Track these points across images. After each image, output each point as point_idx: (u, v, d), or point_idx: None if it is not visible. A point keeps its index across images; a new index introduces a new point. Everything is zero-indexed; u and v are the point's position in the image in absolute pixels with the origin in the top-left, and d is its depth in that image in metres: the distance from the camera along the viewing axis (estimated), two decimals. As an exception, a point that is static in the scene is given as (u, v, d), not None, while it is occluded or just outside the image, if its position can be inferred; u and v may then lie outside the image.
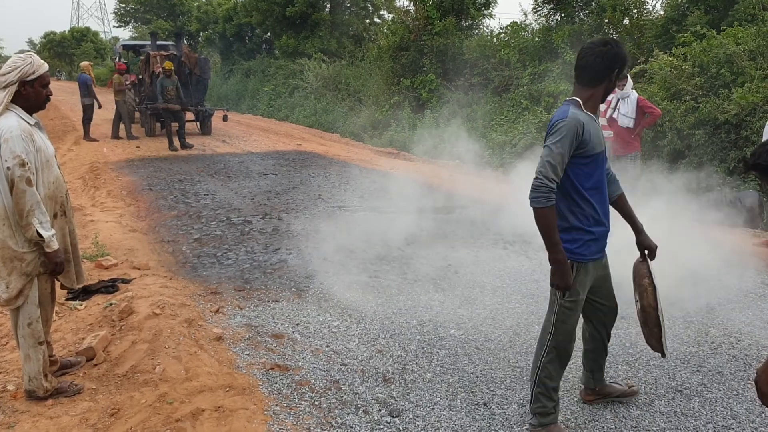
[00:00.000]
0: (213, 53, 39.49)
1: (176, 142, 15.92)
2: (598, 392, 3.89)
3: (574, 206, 3.27)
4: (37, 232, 3.58)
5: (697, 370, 4.40)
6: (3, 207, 3.57)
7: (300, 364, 4.36)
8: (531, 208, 3.18)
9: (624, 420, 3.77)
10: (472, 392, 4.06)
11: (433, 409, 3.85)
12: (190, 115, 20.13)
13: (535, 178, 3.12)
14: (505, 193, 10.44)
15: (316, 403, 3.86)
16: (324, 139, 19.65)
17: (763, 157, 3.39)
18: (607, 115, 8.79)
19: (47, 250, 3.67)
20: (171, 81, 16.12)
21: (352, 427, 3.60)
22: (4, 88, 3.59)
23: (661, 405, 3.93)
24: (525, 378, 4.25)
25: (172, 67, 16.25)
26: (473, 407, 3.88)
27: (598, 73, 3.19)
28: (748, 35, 11.13)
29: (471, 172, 12.95)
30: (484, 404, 3.92)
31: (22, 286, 3.69)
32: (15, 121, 3.58)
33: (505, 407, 3.88)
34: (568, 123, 3.09)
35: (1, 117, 3.58)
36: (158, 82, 16.15)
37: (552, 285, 3.24)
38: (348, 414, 3.74)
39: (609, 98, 8.59)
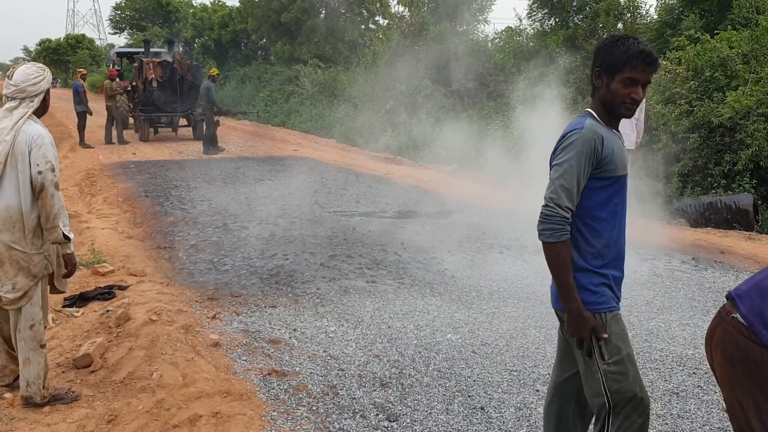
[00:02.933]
0: (209, 60, 39.54)
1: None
2: None
3: (581, 241, 2.58)
4: (63, 234, 3.70)
5: (693, 373, 4.42)
6: (20, 210, 3.65)
7: (297, 369, 4.36)
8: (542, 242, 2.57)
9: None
10: (469, 396, 4.07)
11: (430, 413, 3.85)
12: (182, 121, 20.36)
13: (544, 206, 2.51)
14: (501, 197, 10.48)
15: (314, 408, 3.86)
16: (320, 144, 19.70)
17: None
18: None
19: (67, 251, 3.84)
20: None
21: (349, 432, 3.61)
22: (37, 95, 3.73)
23: (658, 407, 3.94)
24: (522, 382, 4.26)
25: (217, 73, 16.88)
26: (470, 411, 3.89)
27: (593, 76, 2.65)
28: (742, 39, 11.20)
29: (467, 177, 12.99)
30: (481, 408, 3.92)
31: (28, 288, 3.73)
32: (42, 128, 3.72)
33: (502, 411, 3.89)
34: (584, 135, 2.49)
35: (26, 123, 3.67)
36: (209, 86, 16.77)
37: (577, 344, 2.55)
38: (345, 419, 3.74)
39: None
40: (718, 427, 3.73)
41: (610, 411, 2.55)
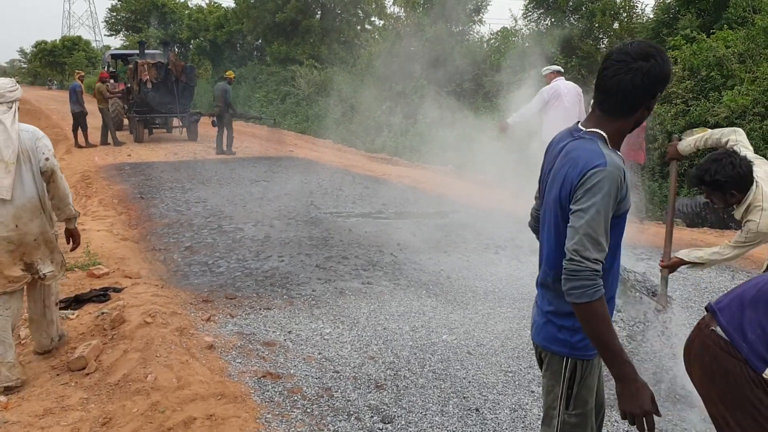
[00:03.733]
0: (204, 61, 39.47)
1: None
2: None
3: None
4: (73, 209, 4.41)
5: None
6: (40, 198, 4.20)
7: (292, 371, 4.35)
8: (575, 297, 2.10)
9: (616, 424, 3.78)
10: (464, 397, 4.07)
11: (425, 414, 3.85)
12: (177, 122, 20.47)
13: (569, 260, 2.08)
14: (497, 198, 10.48)
15: (308, 410, 3.85)
16: (316, 145, 19.69)
17: (720, 172, 3.45)
18: None
19: (74, 226, 4.54)
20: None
21: (344, 434, 3.60)
22: (16, 101, 4.19)
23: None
24: (517, 383, 4.26)
25: (233, 75, 17.35)
26: (465, 412, 3.88)
27: (635, 100, 2.15)
28: (738, 38, 11.23)
29: (463, 177, 12.99)
30: (476, 409, 3.92)
31: (60, 261, 4.47)
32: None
33: (497, 412, 3.88)
34: (611, 174, 2.08)
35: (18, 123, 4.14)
36: (226, 87, 16.92)
37: (624, 415, 2.09)
38: (340, 421, 3.74)
39: None
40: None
41: None
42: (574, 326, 2.25)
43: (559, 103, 8.61)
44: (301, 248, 7.45)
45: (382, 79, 20.83)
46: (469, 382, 4.28)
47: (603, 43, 16.18)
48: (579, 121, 2.32)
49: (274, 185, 11.86)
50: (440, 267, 6.82)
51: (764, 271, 4.08)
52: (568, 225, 2.13)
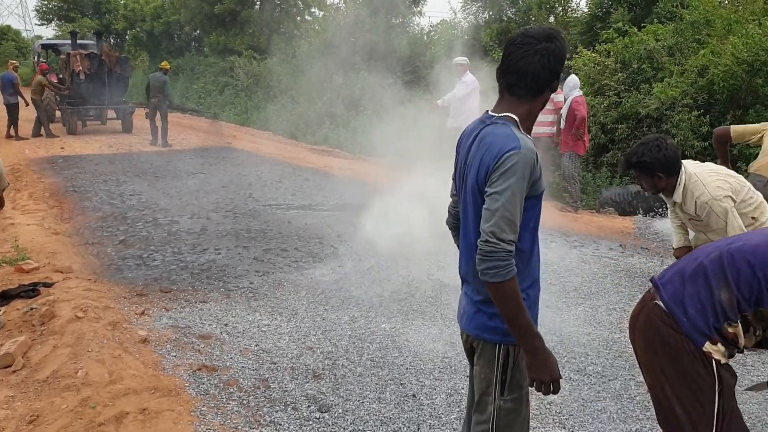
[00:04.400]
0: (141, 52, 38.49)
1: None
2: None
3: None
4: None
5: (619, 356, 4.56)
6: None
7: (228, 364, 4.31)
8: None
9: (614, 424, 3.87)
10: (401, 384, 4.10)
11: (362, 402, 3.87)
12: (111, 113, 19.99)
13: (484, 242, 2.13)
14: (437, 188, 10.55)
15: (245, 402, 3.82)
16: (256, 137, 19.44)
17: (647, 154, 3.57)
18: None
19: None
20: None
21: (280, 425, 3.58)
22: None
23: (585, 389, 4.05)
24: (453, 368, 4.32)
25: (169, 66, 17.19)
26: (402, 399, 3.92)
27: (543, 80, 2.22)
28: (667, 32, 11.57)
29: (404, 169, 13.03)
30: (413, 395, 3.96)
31: None
32: None
33: (434, 397, 3.93)
34: (524, 157, 2.13)
35: None
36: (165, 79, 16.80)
37: (532, 383, 2.24)
38: (277, 412, 3.72)
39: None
40: (644, 407, 3.86)
41: None
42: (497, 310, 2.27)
43: (477, 95, 9.87)
44: (238, 241, 7.36)
45: (322, 70, 20.70)
46: (407, 369, 4.32)
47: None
48: (488, 110, 2.35)
49: (212, 177, 11.67)
50: (381, 258, 6.82)
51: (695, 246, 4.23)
52: (484, 207, 2.17)
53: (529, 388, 2.35)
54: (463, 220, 2.42)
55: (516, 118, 2.24)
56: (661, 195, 4.00)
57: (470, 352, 2.51)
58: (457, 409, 3.79)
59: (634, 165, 3.73)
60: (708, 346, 2.04)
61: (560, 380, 2.23)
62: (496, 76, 2.33)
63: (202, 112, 23.91)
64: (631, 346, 2.44)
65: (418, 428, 3.61)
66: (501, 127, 2.22)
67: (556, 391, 2.22)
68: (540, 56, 2.18)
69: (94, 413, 3.61)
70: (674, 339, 2.10)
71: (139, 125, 19.81)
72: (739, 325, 1.99)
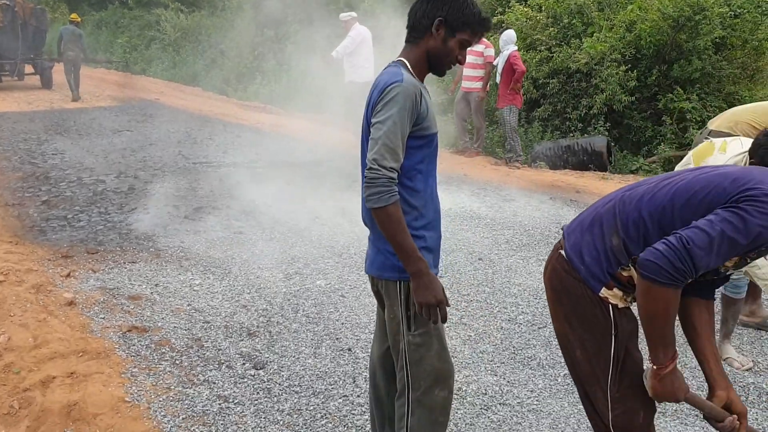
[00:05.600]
0: (60, 4, 36.56)
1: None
2: None
3: (401, 203, 2.29)
4: None
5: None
6: None
7: (159, 324, 4.21)
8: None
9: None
10: (337, 339, 4.10)
11: (298, 358, 3.85)
12: (28, 68, 19.04)
13: (368, 169, 2.23)
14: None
15: (177, 362, 3.75)
16: (185, 93, 18.86)
17: None
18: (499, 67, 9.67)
19: None
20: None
21: (215, 383, 3.54)
22: None
23: (515, 338, 4.14)
24: (388, 322, 4.34)
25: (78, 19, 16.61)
26: (338, 353, 3.92)
27: (420, 22, 2.37)
28: (597, -13, 11.71)
29: (338, 126, 12.89)
30: (349, 349, 3.97)
31: None
32: None
33: (368, 350, 3.94)
34: (405, 89, 2.24)
35: None
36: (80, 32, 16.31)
37: (420, 308, 2.28)
38: (210, 370, 3.67)
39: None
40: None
41: (409, 386, 2.43)
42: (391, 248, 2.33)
43: (367, 47, 10.11)
44: (168, 200, 7.15)
45: (253, 24, 20.13)
46: (342, 323, 4.32)
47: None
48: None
49: (139, 135, 11.28)
50: (315, 215, 6.77)
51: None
52: (369, 137, 2.29)
53: (443, 325, 2.41)
54: (362, 162, 2.43)
55: (406, 61, 2.39)
56: None
57: (378, 295, 2.56)
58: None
59: None
60: (604, 292, 2.10)
61: (447, 306, 2.29)
62: None
63: (113, 63, 23.01)
64: None
65: (354, 381, 3.62)
66: (391, 67, 2.37)
67: (443, 317, 2.29)
68: (421, 2, 2.37)
69: (19, 378, 3.49)
70: (574, 286, 2.16)
71: (60, 81, 18.92)
72: (632, 268, 2.05)
